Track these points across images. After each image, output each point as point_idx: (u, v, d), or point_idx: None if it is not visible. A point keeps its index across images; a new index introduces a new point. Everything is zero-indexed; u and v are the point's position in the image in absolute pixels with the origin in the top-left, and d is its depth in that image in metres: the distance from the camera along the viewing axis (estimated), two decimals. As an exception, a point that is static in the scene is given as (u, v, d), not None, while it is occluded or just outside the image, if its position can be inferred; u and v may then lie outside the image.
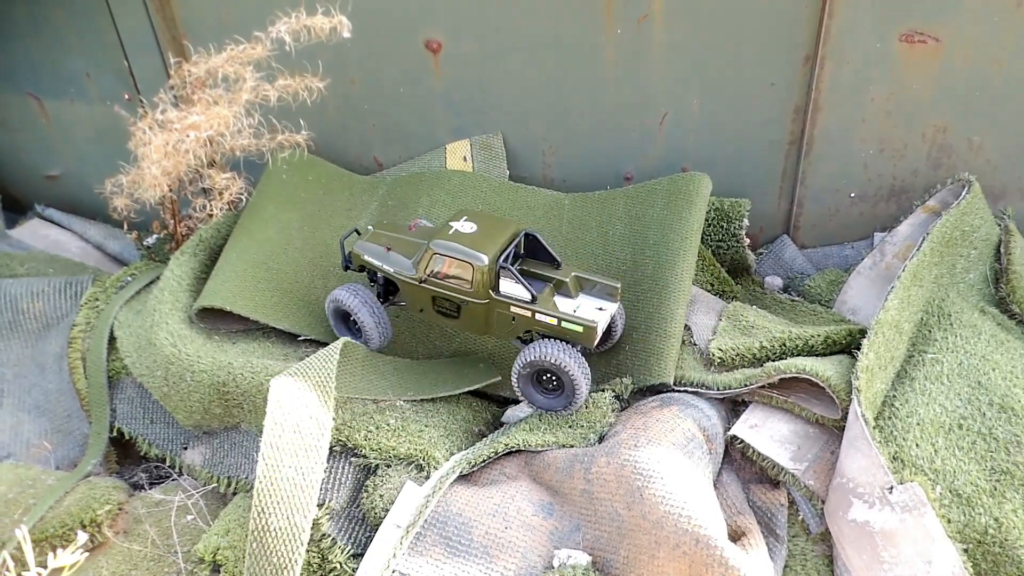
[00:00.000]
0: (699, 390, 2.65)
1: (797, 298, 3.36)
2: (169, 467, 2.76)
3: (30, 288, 3.08)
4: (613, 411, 2.56)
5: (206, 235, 3.22)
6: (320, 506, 2.24)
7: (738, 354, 2.74)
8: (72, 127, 4.16)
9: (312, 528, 2.22)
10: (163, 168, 2.92)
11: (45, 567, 2.30)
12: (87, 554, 2.04)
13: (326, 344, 2.90)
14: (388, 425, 2.45)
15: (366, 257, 2.88)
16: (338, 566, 2.17)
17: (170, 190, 3.22)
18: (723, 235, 3.40)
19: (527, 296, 2.62)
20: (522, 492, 2.27)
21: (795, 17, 3.13)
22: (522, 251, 2.83)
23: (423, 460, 2.34)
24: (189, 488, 2.65)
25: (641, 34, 3.33)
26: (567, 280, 2.74)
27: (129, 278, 3.23)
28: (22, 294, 3.06)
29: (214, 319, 2.93)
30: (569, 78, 3.47)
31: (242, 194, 3.21)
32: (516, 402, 2.92)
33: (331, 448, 2.37)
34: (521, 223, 2.81)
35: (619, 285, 2.73)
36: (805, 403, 2.55)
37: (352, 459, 2.37)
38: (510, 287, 2.65)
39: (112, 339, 2.93)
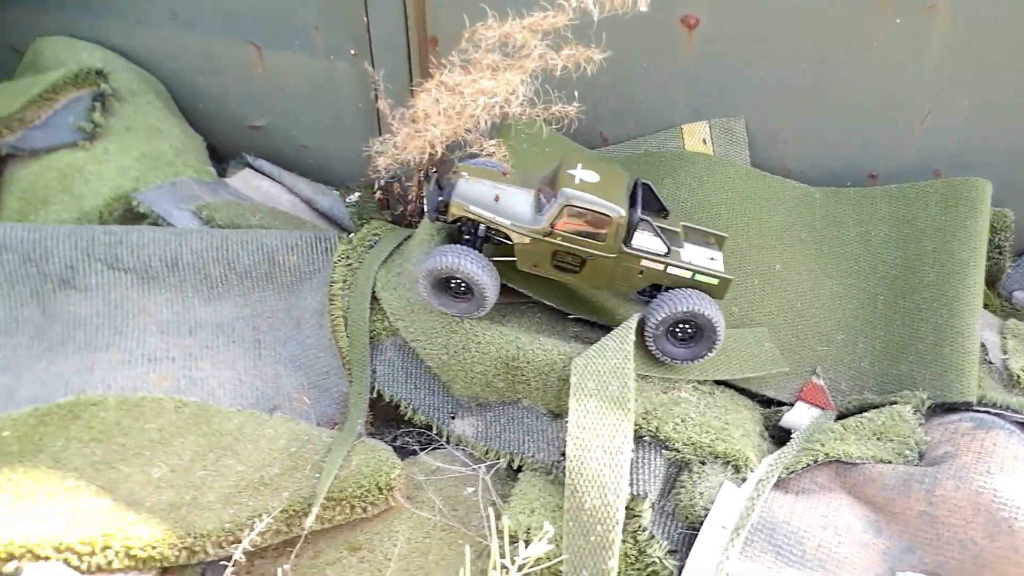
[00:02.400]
0: (1003, 412, 2.49)
1: (1060, 320, 3.15)
2: (436, 435, 2.71)
3: (285, 241, 3.07)
4: (919, 426, 2.42)
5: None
6: (643, 498, 2.17)
7: (1044, 377, 2.57)
8: (288, 79, 4.13)
9: (631, 518, 2.15)
10: (442, 132, 2.84)
11: (328, 521, 2.27)
12: (552, 546, 2.01)
13: (595, 323, 2.82)
14: (691, 419, 2.36)
15: (473, 208, 2.59)
16: (656, 561, 2.10)
17: (431, 155, 3.15)
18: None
19: (662, 249, 2.54)
20: (845, 506, 2.17)
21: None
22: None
23: (740, 461, 2.25)
24: (463, 458, 2.61)
25: (922, 25, 3.12)
26: (677, 229, 2.69)
27: (375, 237, 3.19)
28: (278, 246, 3.05)
29: None
30: (829, 65, 3.29)
31: (505, 161, 3.11)
32: (780, 404, 2.81)
33: (641, 437, 2.30)
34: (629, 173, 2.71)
35: (726, 235, 2.75)
36: None
37: (664, 452, 2.29)
38: (645, 240, 2.56)
39: (374, 299, 2.89)
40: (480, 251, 2.66)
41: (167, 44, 4.25)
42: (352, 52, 3.86)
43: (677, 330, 2.57)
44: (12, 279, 2.78)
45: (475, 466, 2.56)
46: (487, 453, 2.58)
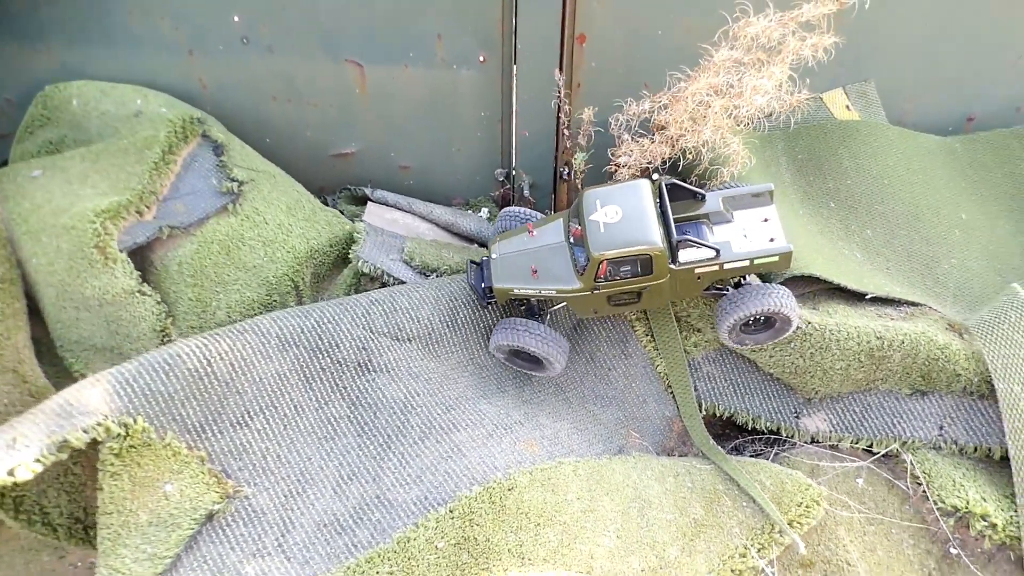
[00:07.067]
0: None
1: None
2: (787, 436, 2.76)
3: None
4: None
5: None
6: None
7: None
8: (394, 96, 3.78)
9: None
10: (709, 134, 2.79)
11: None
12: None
13: (897, 300, 2.91)
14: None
15: (516, 291, 2.58)
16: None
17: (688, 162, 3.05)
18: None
19: (711, 254, 2.47)
20: None
21: None
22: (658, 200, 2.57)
23: None
24: (825, 452, 2.69)
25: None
26: (720, 208, 2.58)
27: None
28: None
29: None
30: (947, 21, 3.56)
31: (748, 161, 3.08)
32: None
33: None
34: (644, 178, 2.62)
35: (771, 186, 2.61)
36: None
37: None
38: (691, 254, 2.49)
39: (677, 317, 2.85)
40: (541, 312, 2.70)
41: (230, 76, 3.71)
42: (482, 59, 3.63)
43: (750, 323, 2.60)
44: (307, 376, 2.43)
45: (849, 459, 2.64)
46: (857, 442, 2.68)
